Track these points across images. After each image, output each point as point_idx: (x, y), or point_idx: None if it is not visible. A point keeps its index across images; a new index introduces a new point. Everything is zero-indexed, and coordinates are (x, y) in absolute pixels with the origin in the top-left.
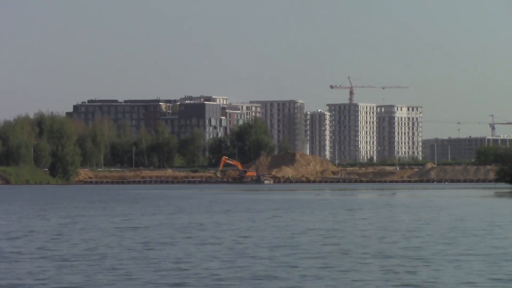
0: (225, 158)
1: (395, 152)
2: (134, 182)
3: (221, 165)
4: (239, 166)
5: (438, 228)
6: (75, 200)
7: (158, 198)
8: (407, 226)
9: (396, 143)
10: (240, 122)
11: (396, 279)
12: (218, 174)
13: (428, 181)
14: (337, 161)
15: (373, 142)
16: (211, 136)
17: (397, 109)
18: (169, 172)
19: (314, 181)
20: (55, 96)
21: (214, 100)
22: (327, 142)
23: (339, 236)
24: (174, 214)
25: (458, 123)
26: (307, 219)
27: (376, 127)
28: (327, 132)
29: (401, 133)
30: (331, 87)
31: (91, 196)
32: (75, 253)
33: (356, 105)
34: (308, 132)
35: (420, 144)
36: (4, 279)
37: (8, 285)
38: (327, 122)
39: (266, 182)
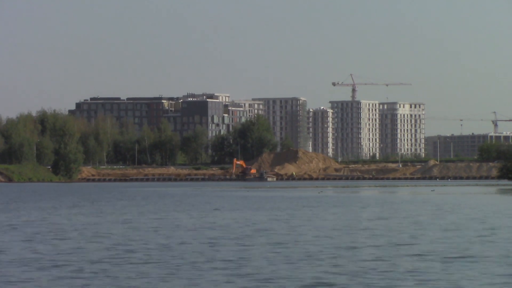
0: (236, 160)
1: (398, 149)
2: (136, 179)
3: (234, 167)
4: (243, 165)
5: None
6: (119, 198)
7: (187, 196)
8: None
9: (398, 140)
10: (243, 120)
11: None
12: (233, 175)
13: (430, 178)
14: (339, 158)
15: (375, 139)
16: (214, 134)
17: (400, 106)
18: (171, 169)
19: (317, 178)
20: (58, 94)
21: (217, 97)
22: (330, 139)
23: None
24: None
25: (461, 120)
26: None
27: (379, 124)
28: (330, 129)
29: (404, 130)
30: (334, 84)
31: (115, 194)
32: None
33: (359, 102)
34: (311, 129)
35: (422, 141)
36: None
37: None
38: (330, 119)
39: (269, 179)
